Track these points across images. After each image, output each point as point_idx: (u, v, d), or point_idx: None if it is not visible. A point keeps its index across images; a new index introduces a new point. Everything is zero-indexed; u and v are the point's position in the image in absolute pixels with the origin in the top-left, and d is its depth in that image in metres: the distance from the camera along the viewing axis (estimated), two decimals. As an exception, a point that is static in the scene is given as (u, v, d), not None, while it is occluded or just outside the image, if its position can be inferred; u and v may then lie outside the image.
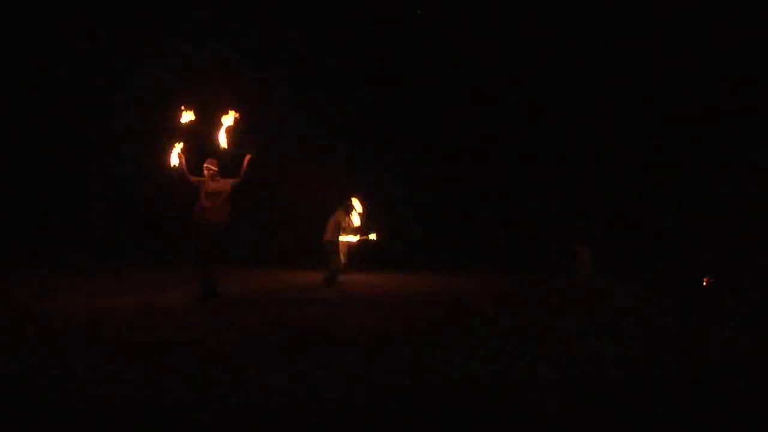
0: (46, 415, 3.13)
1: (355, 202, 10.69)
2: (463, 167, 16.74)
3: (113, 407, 3.23)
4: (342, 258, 10.92)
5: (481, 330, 5.84)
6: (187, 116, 7.69)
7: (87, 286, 9.03)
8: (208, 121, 7.89)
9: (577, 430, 3.05)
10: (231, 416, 3.13)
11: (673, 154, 15.07)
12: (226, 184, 7.67)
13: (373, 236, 11.77)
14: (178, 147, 7.65)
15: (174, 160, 7.63)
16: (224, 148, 7.77)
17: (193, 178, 7.68)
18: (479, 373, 4.01)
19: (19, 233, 13.63)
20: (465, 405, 3.37)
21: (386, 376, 3.97)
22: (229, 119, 7.73)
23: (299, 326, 5.95)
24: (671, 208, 14.63)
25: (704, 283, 10.35)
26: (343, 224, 10.39)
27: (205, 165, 7.70)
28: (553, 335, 5.54)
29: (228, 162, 7.90)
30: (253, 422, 3.08)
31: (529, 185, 16.98)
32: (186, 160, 7.69)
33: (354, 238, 11.13)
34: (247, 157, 7.73)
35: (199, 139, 8.00)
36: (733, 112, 13.78)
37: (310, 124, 14.90)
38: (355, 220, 10.76)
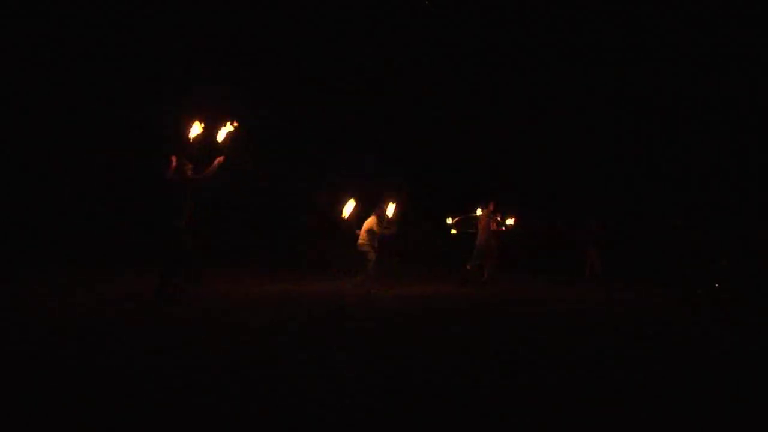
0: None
1: (389, 206, 9.73)
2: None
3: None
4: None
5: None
6: (196, 129, 7.43)
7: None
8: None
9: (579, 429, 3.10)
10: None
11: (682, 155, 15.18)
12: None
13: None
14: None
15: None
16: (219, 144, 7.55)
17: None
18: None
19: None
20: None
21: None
22: (228, 128, 7.59)
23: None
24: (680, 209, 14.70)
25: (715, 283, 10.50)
26: (377, 230, 9.56)
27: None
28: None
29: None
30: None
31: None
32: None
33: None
34: (219, 158, 7.46)
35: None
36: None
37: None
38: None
